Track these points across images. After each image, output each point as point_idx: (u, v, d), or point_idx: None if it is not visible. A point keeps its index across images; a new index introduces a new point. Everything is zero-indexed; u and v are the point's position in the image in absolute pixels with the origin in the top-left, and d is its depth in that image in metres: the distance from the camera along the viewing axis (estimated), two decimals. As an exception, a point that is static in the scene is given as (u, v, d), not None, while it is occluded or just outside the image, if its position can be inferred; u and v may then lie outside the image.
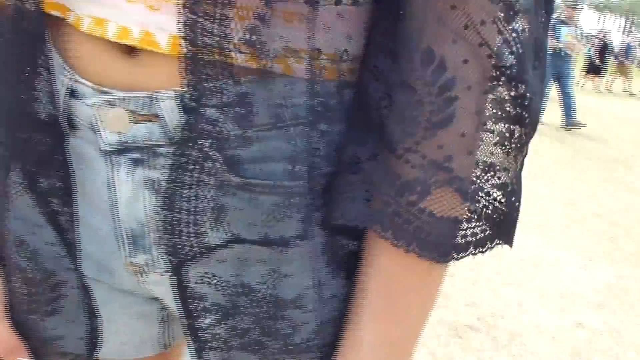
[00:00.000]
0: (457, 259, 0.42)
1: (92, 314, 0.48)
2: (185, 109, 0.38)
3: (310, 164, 0.41)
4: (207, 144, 0.39)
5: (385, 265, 0.41)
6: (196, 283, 0.43)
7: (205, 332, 0.44)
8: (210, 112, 0.38)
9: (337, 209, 0.42)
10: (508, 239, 0.45)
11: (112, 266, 0.47)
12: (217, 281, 0.42)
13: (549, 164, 5.24)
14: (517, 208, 0.45)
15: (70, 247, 0.45)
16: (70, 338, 0.49)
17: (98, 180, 0.44)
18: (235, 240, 0.41)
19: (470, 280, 2.68)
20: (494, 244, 0.44)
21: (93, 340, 0.48)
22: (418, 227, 0.40)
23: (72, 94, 0.42)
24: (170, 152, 0.40)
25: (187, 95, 0.38)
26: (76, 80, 0.42)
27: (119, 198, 0.43)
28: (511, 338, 2.23)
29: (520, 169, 0.45)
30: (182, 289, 0.43)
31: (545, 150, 5.81)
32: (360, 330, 0.42)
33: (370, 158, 0.41)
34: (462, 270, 2.76)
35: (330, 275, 0.43)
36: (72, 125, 0.44)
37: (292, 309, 0.43)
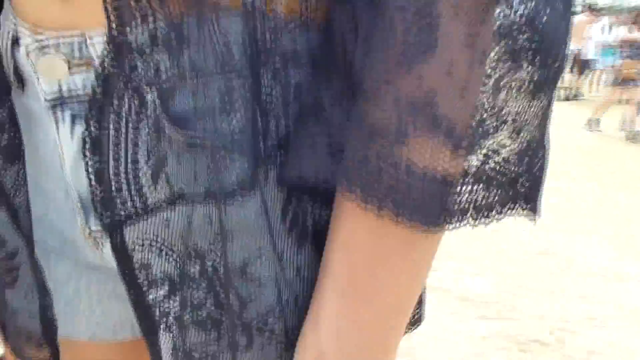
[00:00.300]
0: (452, 226, 0.33)
1: (42, 289, 0.44)
2: (110, 38, 0.34)
3: (263, 113, 0.35)
4: (137, 81, 0.34)
5: (353, 232, 0.34)
6: (139, 248, 0.38)
7: (154, 308, 0.39)
8: (138, 44, 0.34)
9: (295, 163, 0.35)
10: (531, 206, 0.36)
11: (73, 237, 0.43)
12: (163, 246, 0.37)
13: (636, 171, 4.89)
14: (540, 168, 0.36)
15: (16, 212, 0.41)
16: (25, 314, 0.45)
17: (49, 141, 0.40)
18: (178, 196, 0.36)
19: (539, 291, 2.51)
20: (507, 209, 0.35)
21: (46, 318, 0.44)
22: (393, 184, 0.32)
23: (17, 42, 0.39)
24: (98, 92, 0.35)
25: (109, 22, 0.33)
26: (17, 26, 0.38)
27: (65, 158, 0.40)
28: (586, 356, 2.05)
29: (542, 123, 0.36)
30: (122, 256, 0.38)
31: (636, 158, 5.44)
32: (324, 310, 0.35)
33: (334, 101, 0.34)
34: (530, 281, 2.59)
35: (294, 246, 0.37)
36: (21, 80, 0.40)
37: (240, 278, 0.36)
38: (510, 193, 0.35)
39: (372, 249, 0.34)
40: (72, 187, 0.40)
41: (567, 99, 9.56)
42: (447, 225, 0.33)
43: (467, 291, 2.45)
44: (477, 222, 0.34)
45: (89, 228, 0.41)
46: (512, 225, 3.21)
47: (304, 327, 0.37)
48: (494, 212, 0.34)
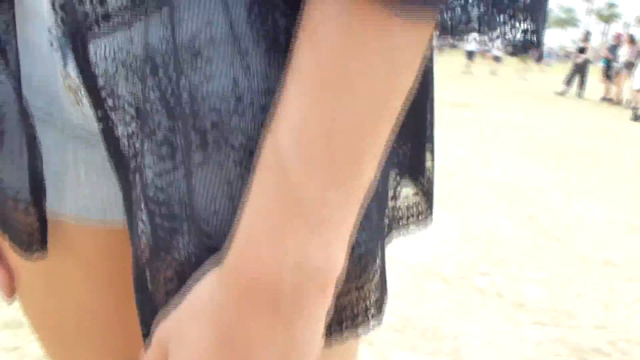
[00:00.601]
0: (432, 7, 0.28)
1: (32, 144, 0.41)
2: None
3: None
4: None
5: (321, 19, 0.28)
6: (102, 64, 0.35)
7: (122, 139, 0.36)
8: None
9: None
10: (534, 38, 0.31)
11: (57, 94, 0.41)
12: (126, 61, 0.34)
13: None
14: None
15: (5, 53, 0.39)
16: (13, 175, 0.43)
17: None
18: (137, 3, 0.33)
19: (601, 301, 2.35)
20: (501, 19, 0.29)
21: (35, 176, 0.42)
22: None
23: None
24: None
25: None
26: None
27: None
28: (651, 370, 1.89)
29: None
30: (86, 71, 0.35)
31: None
32: (285, 111, 0.30)
33: None
34: (591, 291, 2.43)
35: (262, 54, 0.32)
36: None
37: (187, 58, 0.32)
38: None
39: (342, 37, 0.28)
40: (52, 24, 0.38)
41: (637, 118, 9.13)
42: (425, 7, 0.27)
43: (522, 297, 2.32)
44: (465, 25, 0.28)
45: (68, 75, 0.39)
46: (573, 236, 3.05)
47: (263, 133, 0.32)
48: (484, 16, 0.29)
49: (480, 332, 2.01)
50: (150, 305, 0.37)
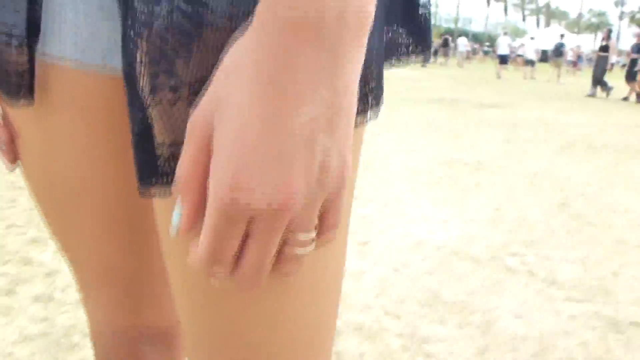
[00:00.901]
0: None
1: None
2: None
3: None
4: None
5: None
6: None
7: None
8: None
9: None
10: None
11: None
12: None
13: None
14: None
15: None
16: (8, 11, 0.42)
17: None
18: None
19: (638, 279, 2.27)
20: None
21: (31, 18, 0.42)
22: None
23: None
24: None
25: None
26: None
27: None
28: (693, 345, 1.81)
29: None
30: None
31: None
32: None
33: None
34: (627, 270, 2.35)
35: None
36: None
37: None
38: None
39: None
40: None
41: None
42: None
43: (554, 275, 2.26)
44: None
45: None
46: (608, 220, 2.96)
47: None
48: None
49: (511, 306, 1.96)
50: (138, 104, 0.36)
